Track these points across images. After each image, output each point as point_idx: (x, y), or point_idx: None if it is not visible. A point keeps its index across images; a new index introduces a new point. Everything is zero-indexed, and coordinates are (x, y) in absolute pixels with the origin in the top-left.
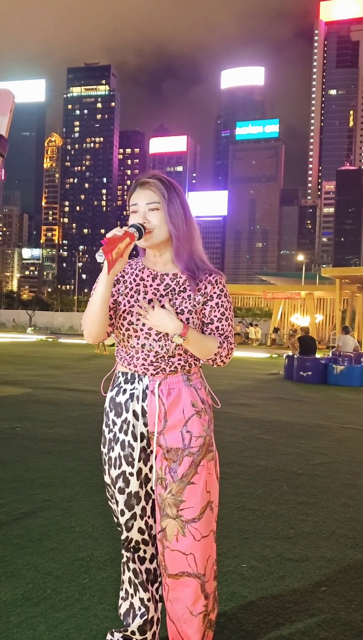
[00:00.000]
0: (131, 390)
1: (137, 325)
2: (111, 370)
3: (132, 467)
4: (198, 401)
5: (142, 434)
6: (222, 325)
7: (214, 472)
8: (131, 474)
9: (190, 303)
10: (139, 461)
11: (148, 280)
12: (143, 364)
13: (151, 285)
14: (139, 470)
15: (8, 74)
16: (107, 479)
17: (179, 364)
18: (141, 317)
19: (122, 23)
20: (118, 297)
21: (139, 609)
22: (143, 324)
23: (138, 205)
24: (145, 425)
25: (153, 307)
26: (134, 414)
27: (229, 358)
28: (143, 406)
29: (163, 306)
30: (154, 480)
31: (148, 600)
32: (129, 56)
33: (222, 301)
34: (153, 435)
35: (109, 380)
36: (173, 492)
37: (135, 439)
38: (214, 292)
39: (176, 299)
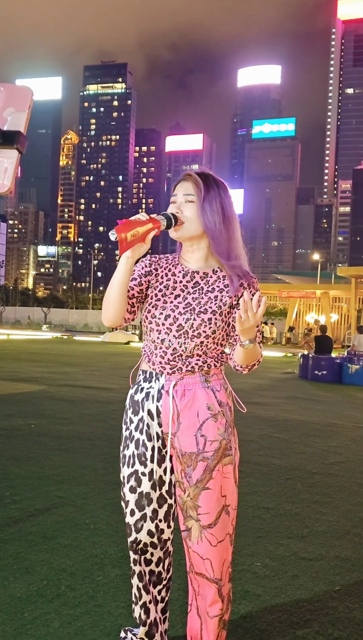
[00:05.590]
0: (147, 389)
1: (159, 319)
2: (134, 366)
3: (145, 467)
4: (214, 404)
5: (157, 434)
6: None
7: (232, 477)
8: (143, 474)
9: (215, 304)
10: (152, 462)
11: (178, 276)
12: (161, 362)
13: (180, 282)
14: (152, 471)
15: (39, 69)
16: (121, 477)
17: (196, 364)
18: (243, 313)
19: (155, 13)
20: (147, 288)
21: (145, 613)
22: (165, 319)
23: (176, 196)
24: (159, 425)
25: (259, 304)
26: (149, 413)
27: (256, 367)
28: (157, 406)
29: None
30: (173, 482)
31: (150, 602)
32: (159, 50)
33: None
34: (168, 437)
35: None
36: (191, 496)
37: (149, 439)
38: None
39: (202, 298)
